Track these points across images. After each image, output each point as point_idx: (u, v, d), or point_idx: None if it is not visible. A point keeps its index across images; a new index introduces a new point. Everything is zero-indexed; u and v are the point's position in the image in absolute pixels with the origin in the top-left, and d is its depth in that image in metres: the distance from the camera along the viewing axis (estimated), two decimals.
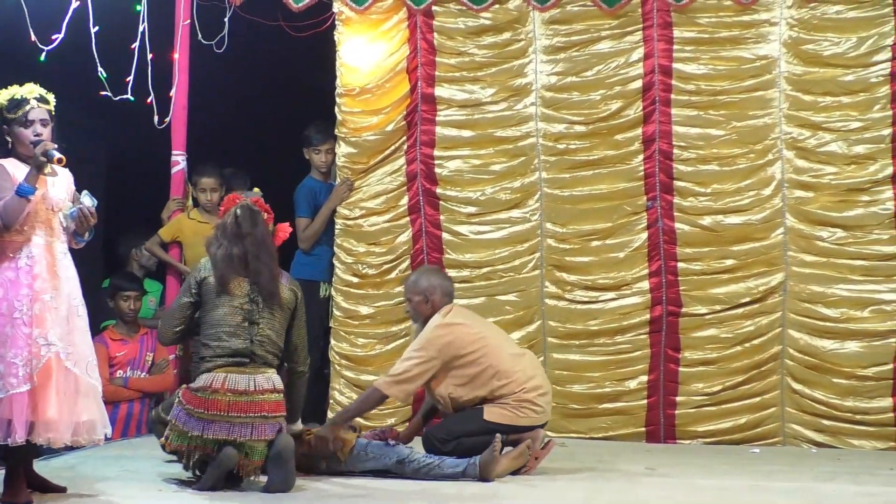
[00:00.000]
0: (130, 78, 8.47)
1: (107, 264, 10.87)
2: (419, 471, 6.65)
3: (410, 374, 6.98)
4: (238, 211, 6.77)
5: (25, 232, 6.01)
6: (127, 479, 6.63)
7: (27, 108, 6.04)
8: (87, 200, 6.21)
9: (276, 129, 10.32)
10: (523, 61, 8.99)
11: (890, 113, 8.48)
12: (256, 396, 6.31)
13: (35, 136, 6.04)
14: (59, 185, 6.18)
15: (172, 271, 8.99)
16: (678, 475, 7.00)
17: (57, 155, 5.95)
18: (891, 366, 8.36)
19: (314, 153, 9.22)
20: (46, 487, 6.08)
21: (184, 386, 6.51)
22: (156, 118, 8.70)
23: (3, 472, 6.00)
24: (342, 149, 9.14)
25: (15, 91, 6.09)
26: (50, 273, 6.05)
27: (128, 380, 8.68)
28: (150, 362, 8.82)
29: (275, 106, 10.69)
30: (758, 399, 8.53)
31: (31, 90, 6.13)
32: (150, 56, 8.64)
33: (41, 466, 6.38)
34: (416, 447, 6.93)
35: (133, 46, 8.48)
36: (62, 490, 6.10)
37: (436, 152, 9.00)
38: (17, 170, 5.99)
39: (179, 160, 9.05)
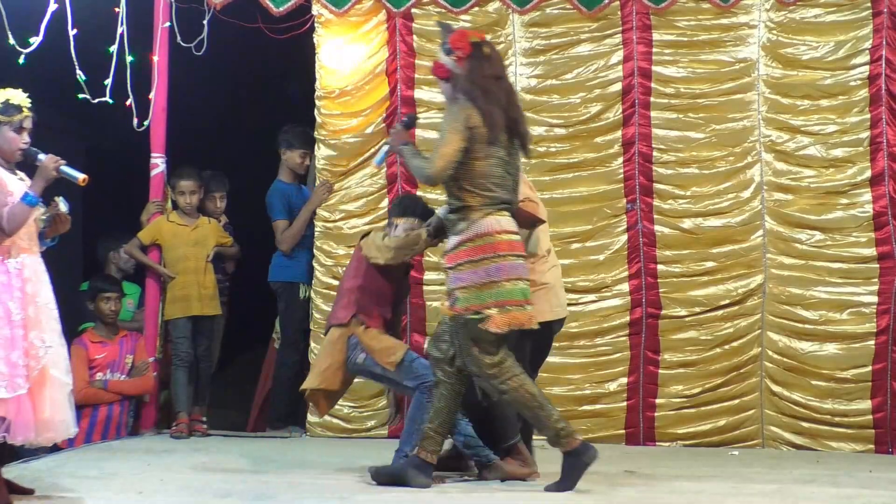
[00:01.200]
0: (109, 81, 8.44)
1: (86, 267, 10.83)
2: None
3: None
4: (485, 48, 6.48)
5: (12, 236, 6.04)
6: (107, 482, 6.61)
7: (23, 115, 6.12)
8: (63, 206, 6.23)
9: (256, 131, 10.30)
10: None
11: (868, 116, 8.52)
12: None
13: (24, 143, 6.11)
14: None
15: (151, 274, 8.97)
16: (658, 477, 7.00)
17: (81, 175, 6.18)
18: (869, 368, 8.40)
19: (296, 154, 9.19)
20: (13, 489, 6.05)
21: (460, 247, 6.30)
22: (135, 121, 8.68)
23: None
24: (321, 151, 9.14)
25: (10, 95, 6.14)
26: (36, 276, 6.09)
27: (107, 382, 8.64)
28: (129, 365, 8.78)
29: (254, 108, 10.68)
30: (737, 401, 8.55)
31: (24, 99, 6.18)
32: (128, 59, 8.62)
33: (21, 469, 6.36)
34: None
35: (112, 49, 8.45)
36: (30, 492, 6.09)
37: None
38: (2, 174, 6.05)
39: (159, 163, 9.03)
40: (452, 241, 6.32)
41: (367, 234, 7.24)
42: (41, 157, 6.15)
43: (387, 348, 6.86)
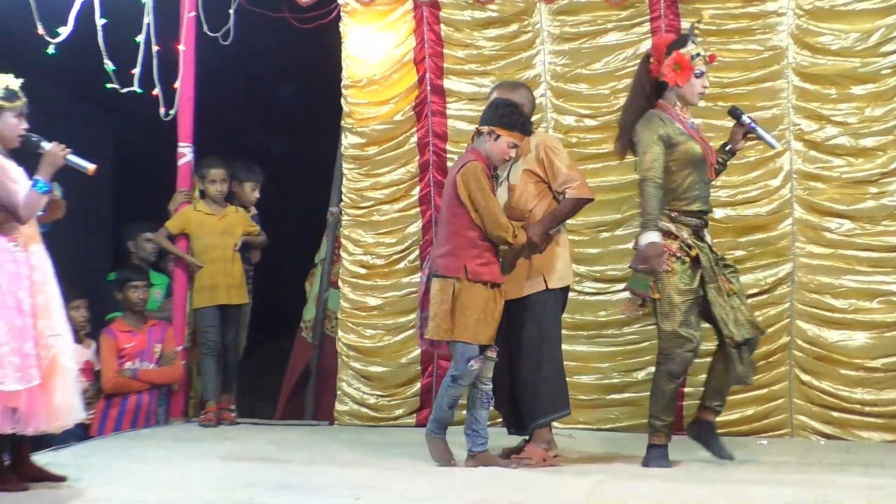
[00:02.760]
0: (137, 70, 8.48)
1: (114, 257, 10.88)
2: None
3: (581, 172, 7.28)
4: None
5: (19, 225, 6.09)
6: (136, 470, 6.65)
7: (23, 101, 6.21)
8: (58, 191, 6.30)
9: (282, 119, 10.33)
10: (531, 53, 8.98)
11: None
12: None
13: (23, 129, 6.20)
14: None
15: (179, 263, 8.99)
16: (686, 467, 6.99)
17: (91, 165, 6.24)
18: None
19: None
20: (45, 477, 6.12)
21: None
22: (162, 110, 8.70)
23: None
24: (348, 139, 9.17)
25: (10, 80, 6.20)
26: (43, 263, 6.14)
27: (136, 371, 8.68)
28: (158, 354, 8.81)
29: (280, 97, 10.70)
30: (766, 390, 8.49)
31: (16, 84, 6.21)
32: (155, 48, 8.64)
33: (51, 456, 6.40)
34: None
35: (139, 39, 8.48)
36: (62, 479, 6.15)
37: (448, 146, 8.99)
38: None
39: (186, 152, 9.06)
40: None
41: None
42: (45, 144, 6.16)
43: None
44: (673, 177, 6.97)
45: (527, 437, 7.12)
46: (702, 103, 8.48)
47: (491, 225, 6.70)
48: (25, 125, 6.23)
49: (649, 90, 7.12)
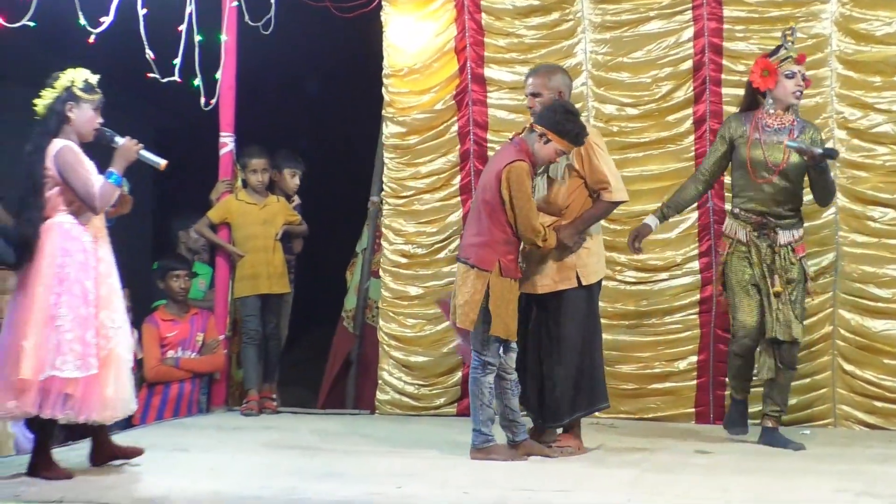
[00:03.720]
0: (178, 60, 8.50)
1: (155, 246, 10.92)
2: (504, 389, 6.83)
3: (617, 173, 7.24)
4: None
5: (88, 215, 6.23)
6: (179, 458, 6.68)
7: (99, 95, 6.36)
8: (125, 187, 6.44)
9: (323, 109, 10.33)
10: (572, 42, 8.95)
11: None
12: None
13: (99, 123, 6.35)
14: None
15: (222, 253, 9.02)
16: (728, 456, 6.97)
17: (163, 161, 6.56)
18: None
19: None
20: (123, 453, 6.43)
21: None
22: (203, 100, 8.72)
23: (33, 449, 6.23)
24: (389, 128, 9.18)
25: (88, 74, 6.35)
26: (108, 255, 6.30)
27: (179, 360, 8.72)
28: (200, 343, 8.85)
29: (321, 86, 10.71)
30: (808, 380, 8.43)
31: (94, 78, 6.37)
32: (197, 38, 8.66)
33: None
34: None
35: (180, 28, 8.50)
36: (140, 451, 6.46)
37: (489, 136, 8.99)
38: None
39: (227, 141, 9.08)
40: (800, 233, 7.45)
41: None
42: (118, 139, 6.27)
43: None
44: (733, 174, 7.57)
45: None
46: (743, 91, 8.51)
47: (525, 228, 6.72)
48: (100, 119, 6.35)
49: (748, 100, 7.59)
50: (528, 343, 7.04)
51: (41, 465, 6.08)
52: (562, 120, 6.78)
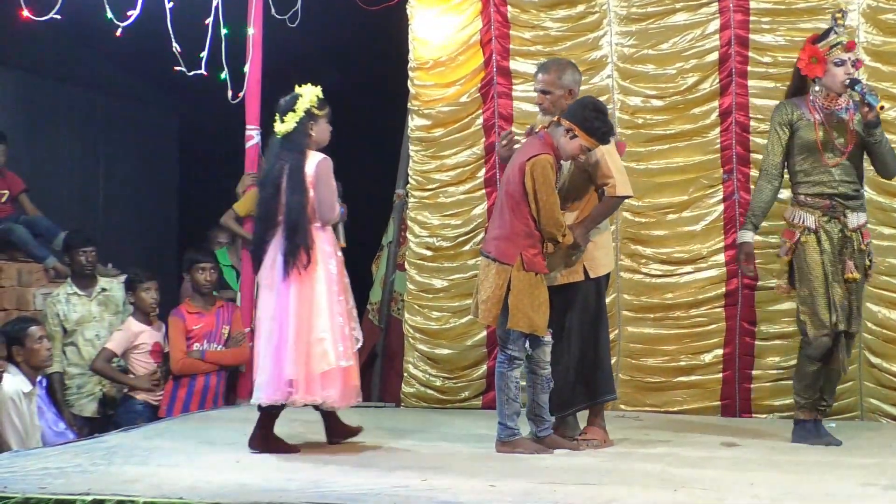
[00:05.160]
0: (204, 53, 8.52)
1: (180, 240, 10.96)
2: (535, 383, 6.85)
3: (622, 168, 7.16)
4: None
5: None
6: (205, 450, 6.70)
7: (329, 109, 7.02)
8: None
9: (349, 101, 10.32)
10: (598, 34, 8.95)
11: None
12: None
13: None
14: None
15: (247, 245, 9.03)
16: (754, 449, 6.95)
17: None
18: None
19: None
20: (351, 432, 7.14)
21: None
22: (229, 93, 8.74)
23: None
24: (414, 121, 9.20)
25: (318, 92, 7.00)
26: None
27: (205, 353, 8.74)
28: (226, 335, 8.87)
29: (347, 79, 10.70)
30: None
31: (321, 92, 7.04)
32: (223, 31, 8.68)
33: (120, 437, 6.46)
34: None
35: (207, 21, 8.51)
36: (359, 429, 7.16)
37: (514, 128, 8.96)
38: None
39: (254, 134, 9.10)
40: (865, 216, 7.26)
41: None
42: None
43: None
44: (795, 160, 7.28)
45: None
46: (769, 83, 8.48)
47: (548, 221, 6.69)
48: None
49: (795, 84, 7.36)
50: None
51: (270, 441, 6.76)
52: (590, 117, 6.73)
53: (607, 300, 7.92)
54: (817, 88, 7.19)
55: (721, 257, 8.65)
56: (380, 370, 9.64)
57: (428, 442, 7.16)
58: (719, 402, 8.60)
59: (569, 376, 6.99)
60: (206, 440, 7.05)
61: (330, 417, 7.06)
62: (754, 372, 8.55)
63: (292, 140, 6.85)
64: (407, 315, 9.20)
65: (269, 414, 6.78)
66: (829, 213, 7.13)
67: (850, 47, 7.19)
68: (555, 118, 6.84)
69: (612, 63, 8.89)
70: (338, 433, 7.09)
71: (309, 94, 6.93)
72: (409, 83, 9.26)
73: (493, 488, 5.66)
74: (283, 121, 6.89)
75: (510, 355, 6.74)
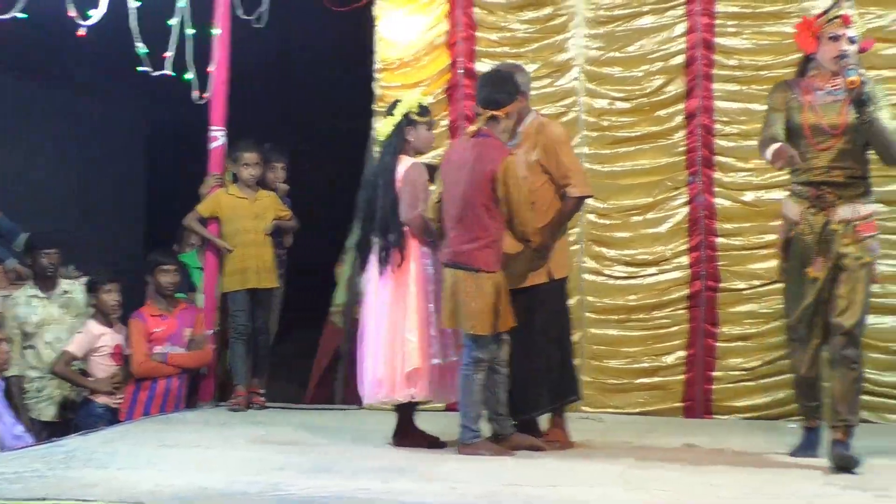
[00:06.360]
0: (169, 53, 8.48)
1: (146, 240, 10.92)
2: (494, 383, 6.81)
3: (582, 168, 7.25)
4: None
5: None
6: (166, 454, 6.66)
7: (432, 115, 7.21)
8: None
9: (315, 103, 10.33)
10: (565, 36, 9.00)
11: None
12: None
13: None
14: None
15: (211, 247, 9.00)
16: (717, 450, 6.98)
17: None
18: None
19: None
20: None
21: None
22: (195, 94, 8.71)
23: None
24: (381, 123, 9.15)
25: (422, 98, 7.26)
26: None
27: (167, 356, 8.68)
28: (188, 338, 8.83)
29: (314, 80, 10.69)
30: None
31: (426, 100, 7.34)
32: (189, 32, 8.65)
33: (80, 441, 6.41)
34: None
35: (172, 22, 8.48)
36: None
37: None
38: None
39: (218, 136, 9.06)
40: (868, 208, 6.50)
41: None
42: None
43: None
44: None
45: (515, 423, 7.11)
46: (734, 86, 8.51)
47: (522, 222, 6.69)
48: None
49: (801, 65, 6.76)
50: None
51: (410, 436, 7.06)
52: (498, 89, 6.82)
53: (571, 302, 7.95)
54: (813, 67, 6.64)
55: (685, 259, 8.68)
56: (343, 372, 9.60)
57: (390, 444, 7.13)
58: (681, 404, 8.64)
59: (533, 378, 6.98)
60: (167, 443, 7.01)
61: (406, 419, 7.18)
62: (716, 373, 8.59)
63: (388, 144, 7.07)
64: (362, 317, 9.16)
65: (405, 411, 7.10)
66: (815, 204, 6.48)
67: (846, 21, 6.52)
68: (486, 115, 6.82)
69: (579, 66, 8.92)
70: (405, 436, 7.16)
71: (409, 99, 7.11)
72: (374, 84, 9.23)
73: (455, 490, 5.65)
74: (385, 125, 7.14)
75: (477, 358, 6.72)
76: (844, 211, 6.44)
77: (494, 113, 6.76)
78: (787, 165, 6.49)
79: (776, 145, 6.41)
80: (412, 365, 6.85)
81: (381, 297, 6.96)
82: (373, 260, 7.02)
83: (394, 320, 6.91)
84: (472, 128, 6.95)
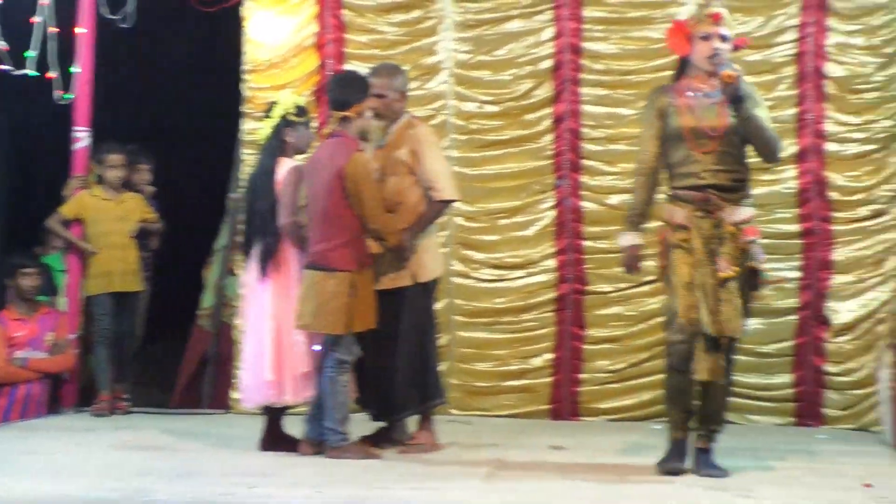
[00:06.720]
0: (32, 52, 8.35)
1: (7, 243, 10.69)
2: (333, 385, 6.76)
3: (449, 172, 7.19)
4: None
5: None
6: (26, 461, 6.55)
7: (309, 117, 7.18)
8: None
9: (183, 104, 10.22)
10: (434, 39, 9.00)
11: (795, 92, 8.55)
12: None
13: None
14: None
15: (74, 250, 8.86)
16: (582, 453, 7.02)
17: None
18: (791, 342, 8.45)
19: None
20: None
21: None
22: (57, 93, 8.58)
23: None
24: (248, 124, 9.12)
25: (297, 99, 7.21)
26: None
27: (27, 360, 8.50)
28: (50, 342, 8.67)
29: (182, 81, 10.58)
30: (661, 376, 8.44)
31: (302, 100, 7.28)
32: (52, 30, 8.51)
33: None
34: None
35: (34, 20, 8.34)
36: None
37: None
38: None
39: (82, 137, 8.92)
40: (750, 211, 6.35)
41: None
42: None
43: None
44: (668, 152, 6.38)
45: (384, 425, 7.13)
46: (602, 91, 8.61)
47: (375, 220, 6.71)
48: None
49: (678, 71, 6.51)
50: (364, 339, 6.97)
51: (279, 440, 7.02)
52: (346, 90, 6.88)
53: (439, 305, 7.97)
54: (689, 70, 6.42)
55: (552, 262, 8.75)
56: (210, 376, 9.51)
57: (256, 448, 7.08)
58: (549, 406, 8.69)
59: (398, 381, 6.98)
60: (27, 450, 6.89)
61: (275, 423, 7.12)
62: (583, 376, 8.66)
63: (267, 146, 7.05)
64: (237, 320, 9.10)
65: (273, 415, 7.06)
66: (702, 207, 6.25)
67: (716, 19, 6.30)
68: (336, 116, 6.84)
69: (448, 69, 8.94)
70: (272, 440, 7.10)
71: (285, 101, 7.10)
72: (243, 86, 9.16)
73: (322, 494, 5.65)
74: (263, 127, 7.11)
75: (340, 359, 6.71)
76: (731, 214, 6.27)
77: (344, 114, 6.81)
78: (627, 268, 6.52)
79: (629, 241, 6.45)
80: (305, 367, 6.85)
81: (262, 300, 6.93)
82: (252, 263, 6.99)
83: (278, 323, 6.87)
84: (326, 130, 7.05)
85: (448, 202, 7.10)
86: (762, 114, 6.28)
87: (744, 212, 6.31)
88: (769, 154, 6.38)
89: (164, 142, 9.83)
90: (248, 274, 7.07)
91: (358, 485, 5.85)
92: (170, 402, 9.55)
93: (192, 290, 9.65)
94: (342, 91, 6.88)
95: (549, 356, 8.71)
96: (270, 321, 6.88)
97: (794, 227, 8.48)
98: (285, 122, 7.01)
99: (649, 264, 8.29)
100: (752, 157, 6.40)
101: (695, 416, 6.30)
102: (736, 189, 6.30)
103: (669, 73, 8.32)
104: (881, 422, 8.16)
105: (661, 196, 6.53)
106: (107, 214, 8.80)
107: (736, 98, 6.13)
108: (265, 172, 6.99)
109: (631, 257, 6.50)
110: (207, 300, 9.72)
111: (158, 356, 10.62)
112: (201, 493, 5.65)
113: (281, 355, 6.87)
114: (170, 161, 9.50)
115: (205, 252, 9.92)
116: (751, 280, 6.30)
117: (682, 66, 6.45)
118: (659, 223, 6.45)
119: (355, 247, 6.71)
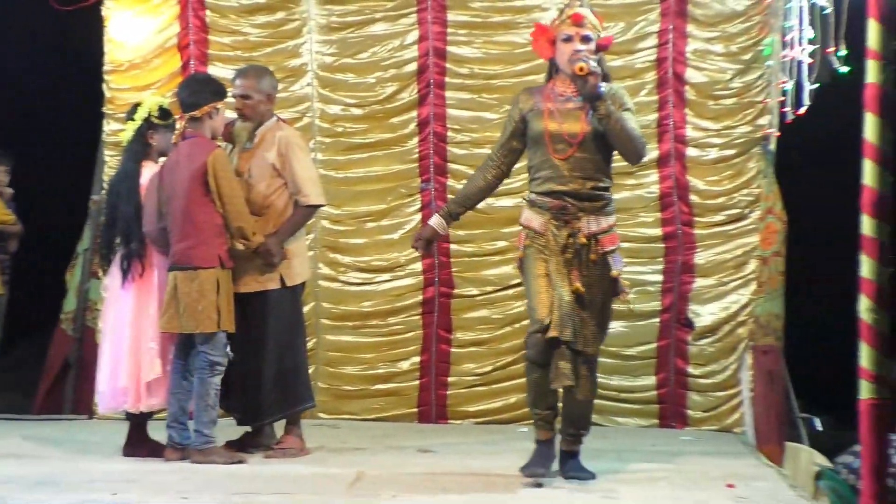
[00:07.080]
0: None
1: None
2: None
3: (316, 176, 7.18)
4: None
5: None
6: None
7: (173, 119, 7.02)
8: None
9: (42, 105, 10.05)
10: (298, 41, 8.98)
11: (656, 98, 8.69)
12: None
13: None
14: None
15: None
16: (450, 456, 7.06)
17: None
18: (654, 345, 8.59)
19: None
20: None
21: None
22: None
23: None
24: (109, 125, 8.99)
25: (161, 101, 7.09)
26: None
27: None
28: None
29: (40, 81, 10.40)
30: (524, 380, 8.60)
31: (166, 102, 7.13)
32: None
33: None
34: None
35: None
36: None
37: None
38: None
39: None
40: (609, 220, 6.17)
41: None
42: None
43: None
44: (530, 155, 6.25)
45: (250, 430, 7.12)
46: (466, 95, 8.66)
47: (236, 217, 6.69)
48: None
49: (548, 74, 6.34)
50: (231, 343, 6.91)
51: (142, 446, 6.95)
52: (199, 90, 6.90)
53: (306, 309, 7.94)
54: (558, 73, 6.24)
55: (418, 266, 8.78)
56: (73, 381, 9.35)
57: (120, 455, 6.98)
58: (416, 409, 8.74)
59: (265, 385, 6.94)
60: None
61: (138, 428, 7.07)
62: (450, 379, 8.72)
63: (130, 149, 7.00)
64: (101, 324, 8.96)
65: (138, 420, 6.99)
66: (557, 215, 6.08)
67: (576, 20, 6.11)
68: (185, 118, 6.84)
69: (313, 71, 8.92)
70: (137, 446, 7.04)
71: (149, 103, 7.04)
72: (103, 86, 9.03)
73: (187, 500, 5.57)
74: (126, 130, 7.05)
75: (212, 360, 6.65)
76: (588, 223, 6.09)
77: (192, 114, 6.81)
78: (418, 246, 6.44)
79: (432, 222, 6.41)
80: (154, 374, 6.81)
81: (123, 306, 6.90)
82: (115, 267, 6.93)
83: (136, 330, 6.84)
84: (177, 132, 6.97)
85: (316, 207, 7.08)
86: (627, 114, 6.09)
87: (603, 221, 6.13)
88: (631, 154, 6.18)
89: (23, 143, 9.65)
90: (110, 278, 7.00)
91: (222, 491, 5.80)
92: (31, 407, 9.38)
93: (55, 294, 9.48)
94: (191, 93, 6.88)
95: (417, 359, 8.75)
96: (129, 328, 6.85)
97: (657, 231, 8.64)
98: (148, 125, 6.96)
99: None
100: (617, 162, 6.32)
101: (560, 419, 6.21)
102: (595, 198, 6.13)
103: (532, 77, 8.61)
104: (743, 423, 8.38)
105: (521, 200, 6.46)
106: None
107: (593, 95, 5.94)
108: (128, 176, 6.94)
109: (423, 237, 6.41)
110: (69, 304, 9.55)
111: (19, 361, 10.42)
112: (62, 501, 5.55)
113: (138, 362, 6.83)
114: (28, 162, 9.32)
115: (67, 255, 9.76)
116: (611, 288, 6.17)
117: (552, 69, 6.31)
118: (518, 227, 6.33)
119: (217, 245, 6.68)
